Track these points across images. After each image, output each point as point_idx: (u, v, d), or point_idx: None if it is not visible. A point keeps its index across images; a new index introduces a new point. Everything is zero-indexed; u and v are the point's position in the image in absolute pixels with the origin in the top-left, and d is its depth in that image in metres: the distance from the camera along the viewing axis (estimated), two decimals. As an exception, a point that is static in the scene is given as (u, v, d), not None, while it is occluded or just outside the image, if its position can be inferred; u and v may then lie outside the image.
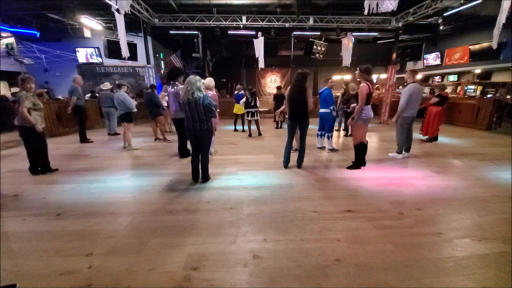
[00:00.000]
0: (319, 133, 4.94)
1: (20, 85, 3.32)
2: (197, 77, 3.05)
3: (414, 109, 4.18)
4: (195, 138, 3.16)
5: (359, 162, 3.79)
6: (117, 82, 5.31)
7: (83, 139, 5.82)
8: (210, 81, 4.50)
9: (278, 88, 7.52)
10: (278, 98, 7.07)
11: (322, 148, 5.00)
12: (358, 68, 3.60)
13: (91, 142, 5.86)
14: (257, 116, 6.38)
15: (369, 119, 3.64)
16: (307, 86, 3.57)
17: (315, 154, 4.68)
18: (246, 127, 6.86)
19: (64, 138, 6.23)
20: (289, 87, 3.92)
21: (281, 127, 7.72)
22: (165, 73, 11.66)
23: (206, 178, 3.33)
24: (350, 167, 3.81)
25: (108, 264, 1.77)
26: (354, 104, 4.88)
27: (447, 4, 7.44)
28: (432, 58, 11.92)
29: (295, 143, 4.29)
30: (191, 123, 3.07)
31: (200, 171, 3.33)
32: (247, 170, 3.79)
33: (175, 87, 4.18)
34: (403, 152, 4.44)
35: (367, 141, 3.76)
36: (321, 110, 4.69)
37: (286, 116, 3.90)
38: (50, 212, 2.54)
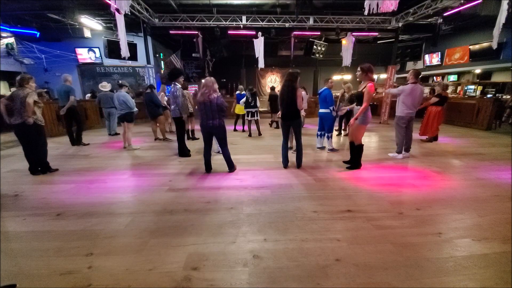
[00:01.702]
0: (319, 133, 4.94)
1: (24, 84, 3.39)
2: (213, 79, 3.37)
3: (411, 109, 4.15)
4: (208, 134, 3.52)
5: (357, 163, 3.78)
6: (120, 82, 5.29)
7: (79, 141, 5.55)
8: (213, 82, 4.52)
9: (272, 88, 7.61)
10: (273, 99, 7.17)
11: (322, 148, 5.00)
12: (360, 68, 3.44)
13: (87, 144, 5.60)
14: (257, 116, 6.38)
15: (370, 119, 3.62)
16: (297, 86, 3.56)
17: (315, 154, 4.68)
18: (246, 127, 6.86)
19: (64, 138, 6.21)
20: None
21: (279, 127, 7.78)
22: (165, 73, 11.67)
23: (231, 167, 3.68)
24: (350, 168, 3.81)
25: (108, 264, 1.77)
26: (349, 107, 4.77)
27: (447, 4, 7.45)
28: (428, 61, 11.93)
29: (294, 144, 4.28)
30: (205, 121, 3.38)
31: (226, 164, 3.66)
32: (247, 170, 3.79)
33: (175, 87, 4.22)
34: (403, 152, 4.44)
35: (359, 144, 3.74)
36: (321, 110, 4.69)
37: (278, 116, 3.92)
38: (50, 212, 2.54)
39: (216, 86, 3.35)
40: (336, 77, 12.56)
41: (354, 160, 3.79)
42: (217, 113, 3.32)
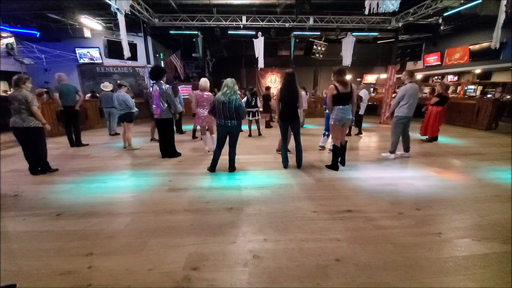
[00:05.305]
0: (326, 133, 4.90)
1: (21, 84, 3.36)
2: (234, 80, 3.42)
3: (409, 109, 4.12)
4: (226, 134, 3.52)
5: (333, 163, 3.76)
6: (118, 82, 5.27)
7: (79, 143, 5.50)
8: (205, 82, 4.50)
9: (267, 88, 7.75)
10: (266, 98, 7.40)
11: (323, 148, 5.00)
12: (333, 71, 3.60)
13: (87, 145, 5.58)
14: (257, 116, 6.39)
15: (340, 120, 3.53)
16: (297, 85, 3.57)
17: (315, 154, 4.68)
18: (246, 127, 6.86)
19: (64, 138, 6.21)
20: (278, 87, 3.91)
21: (271, 126, 7.95)
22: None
23: (232, 169, 3.70)
24: (327, 166, 3.83)
25: (108, 264, 1.77)
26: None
27: (447, 4, 7.44)
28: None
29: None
30: (223, 121, 3.41)
31: (228, 163, 3.70)
32: (247, 170, 3.79)
33: (163, 86, 4.08)
34: (403, 152, 4.43)
35: (341, 145, 3.70)
36: None
37: (275, 116, 3.92)
38: (50, 212, 2.54)
39: (236, 87, 3.40)
40: (336, 77, 12.51)
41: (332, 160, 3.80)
42: (235, 114, 3.37)
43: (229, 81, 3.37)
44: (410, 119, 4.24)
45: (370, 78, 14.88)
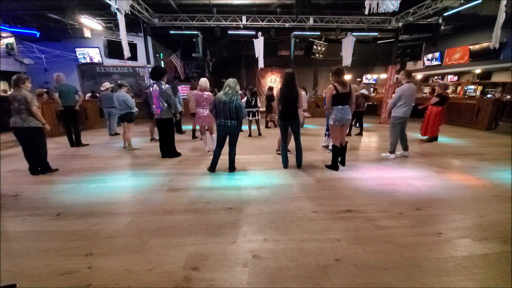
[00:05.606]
0: (327, 132, 4.91)
1: (20, 84, 3.35)
2: (236, 80, 3.42)
3: (406, 109, 4.12)
4: (226, 134, 3.53)
5: (333, 163, 3.76)
6: (119, 82, 5.26)
7: (79, 143, 5.51)
8: (205, 82, 4.51)
9: (270, 89, 7.69)
10: (269, 98, 7.30)
11: (326, 147, 5.01)
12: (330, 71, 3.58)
13: (87, 145, 5.59)
14: (257, 115, 6.39)
15: (339, 120, 3.53)
16: (297, 85, 3.58)
17: (315, 154, 4.68)
18: (246, 127, 6.86)
19: (64, 138, 6.21)
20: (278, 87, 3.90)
21: (270, 127, 7.94)
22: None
23: (232, 169, 3.70)
24: (327, 166, 3.84)
25: (108, 264, 1.77)
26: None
27: (447, 4, 7.44)
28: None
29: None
30: (223, 121, 3.42)
31: (228, 163, 3.70)
32: (247, 170, 3.79)
33: (163, 86, 4.08)
34: (402, 152, 4.43)
35: (341, 145, 3.70)
36: None
37: (275, 116, 3.90)
38: (50, 212, 2.54)
39: (238, 87, 3.41)
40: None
41: (332, 160, 3.80)
42: (235, 113, 3.37)
43: (231, 81, 3.38)
44: (407, 119, 4.24)
45: (369, 77, 14.91)
